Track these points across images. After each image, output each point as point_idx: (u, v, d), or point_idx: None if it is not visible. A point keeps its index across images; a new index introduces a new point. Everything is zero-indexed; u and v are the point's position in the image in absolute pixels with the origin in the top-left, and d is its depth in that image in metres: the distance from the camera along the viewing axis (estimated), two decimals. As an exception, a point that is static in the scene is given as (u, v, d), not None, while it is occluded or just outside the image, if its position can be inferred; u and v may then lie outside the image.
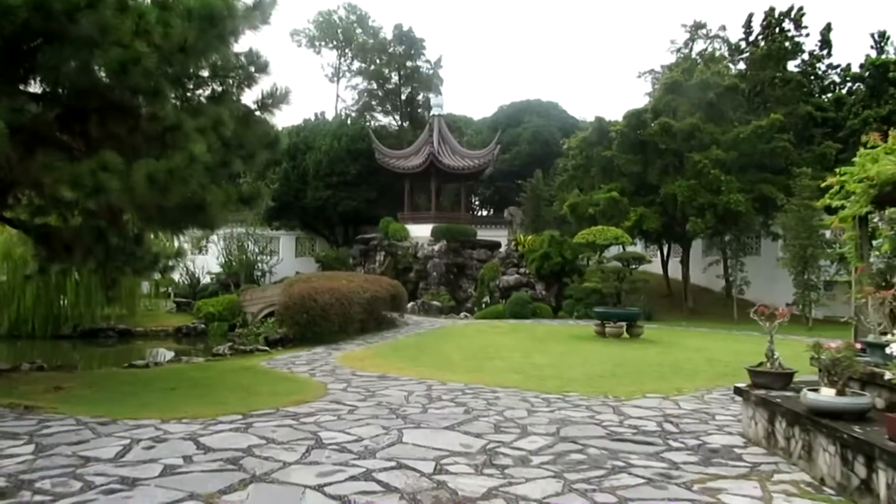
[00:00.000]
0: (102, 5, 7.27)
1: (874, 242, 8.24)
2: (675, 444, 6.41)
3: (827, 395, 5.32)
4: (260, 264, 32.62)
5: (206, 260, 31.66)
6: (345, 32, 44.20)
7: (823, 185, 9.52)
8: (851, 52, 59.06)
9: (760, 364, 7.03)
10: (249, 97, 9.94)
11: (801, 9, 29.59)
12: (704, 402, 8.89)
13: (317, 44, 45.40)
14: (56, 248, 11.33)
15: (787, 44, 28.21)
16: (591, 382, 10.39)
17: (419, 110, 42.89)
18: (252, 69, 9.85)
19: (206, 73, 9.62)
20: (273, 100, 9.90)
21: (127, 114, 8.55)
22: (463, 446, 6.16)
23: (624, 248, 23.54)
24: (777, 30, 30.03)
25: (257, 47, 9.81)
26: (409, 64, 41.57)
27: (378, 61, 42.21)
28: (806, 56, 29.71)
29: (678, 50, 33.11)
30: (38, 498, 4.51)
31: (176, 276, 30.43)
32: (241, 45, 9.72)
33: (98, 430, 6.58)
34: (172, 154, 8.04)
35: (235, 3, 8.74)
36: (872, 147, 7.26)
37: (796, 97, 26.97)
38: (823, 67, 30.12)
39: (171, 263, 13.10)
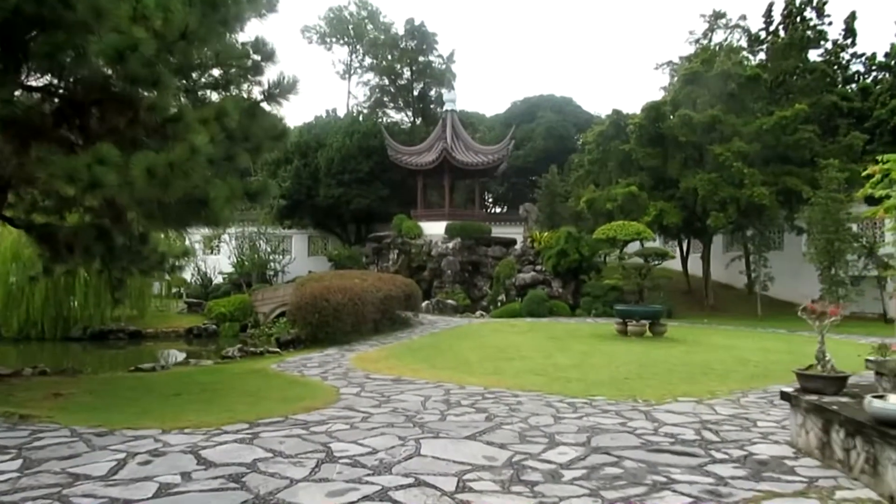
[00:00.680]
0: (96, -13, 6.81)
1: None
2: (718, 456, 5.84)
3: (897, 404, 4.74)
4: (272, 264, 32.28)
5: (217, 260, 31.40)
6: (356, 28, 43.78)
7: (865, 173, 8.88)
8: (875, 40, 57.79)
9: (810, 367, 6.43)
10: (255, 87, 9.49)
11: (823, -4, 28.80)
12: (742, 406, 8.30)
13: (328, 40, 45.04)
14: (59, 247, 10.94)
15: (809, 32, 27.38)
16: (617, 385, 9.83)
17: (431, 106, 42.39)
18: (258, 58, 9.38)
19: (209, 62, 9.17)
20: (280, 89, 9.40)
21: (126, 105, 8.09)
22: (487, 459, 5.63)
23: (643, 244, 22.93)
24: (798, 19, 29.23)
25: (264, 37, 9.35)
26: (421, 59, 41.05)
27: (390, 57, 41.72)
28: (829, 45, 28.84)
29: (697, 41, 32.37)
30: (15, 524, 4.04)
31: (187, 277, 30.23)
32: (248, 34, 9.30)
33: (93, 441, 6.11)
34: (173, 146, 7.58)
35: (239, -13, 8.26)
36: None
37: (820, 87, 26.17)
38: (847, 57, 29.25)
39: (178, 263, 12.69)
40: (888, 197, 7.61)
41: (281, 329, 18.27)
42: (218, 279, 31.27)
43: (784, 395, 6.48)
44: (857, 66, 29.47)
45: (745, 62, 26.99)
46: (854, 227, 22.91)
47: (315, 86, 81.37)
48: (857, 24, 29.66)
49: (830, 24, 29.03)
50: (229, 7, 8.45)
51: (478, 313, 24.83)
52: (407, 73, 41.92)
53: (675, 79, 29.49)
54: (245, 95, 9.50)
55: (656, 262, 18.29)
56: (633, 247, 24.31)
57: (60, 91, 8.52)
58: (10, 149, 7.93)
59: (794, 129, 23.25)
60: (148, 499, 4.50)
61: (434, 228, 29.28)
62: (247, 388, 9.48)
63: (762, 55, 30.13)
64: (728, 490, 4.85)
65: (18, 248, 18.79)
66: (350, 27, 43.98)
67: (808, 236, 26.20)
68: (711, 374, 10.96)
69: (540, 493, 4.73)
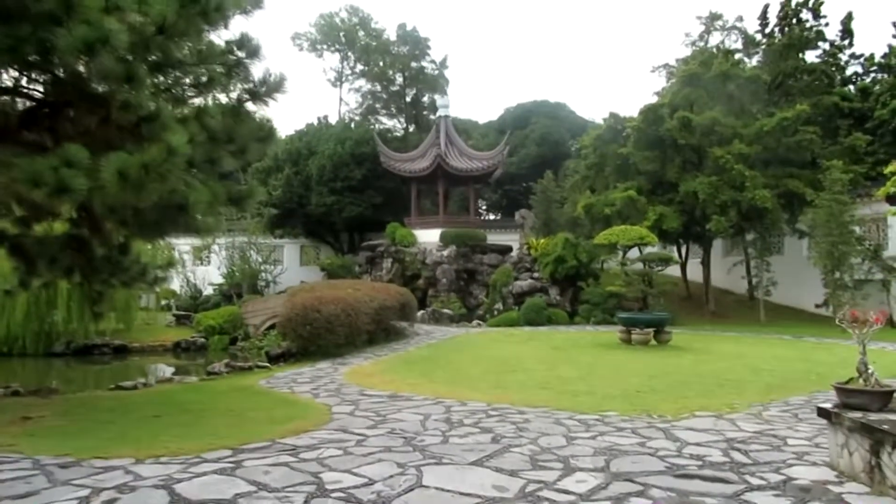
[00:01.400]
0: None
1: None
2: (754, 481, 5.24)
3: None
4: (263, 274, 31.61)
5: (206, 271, 30.73)
6: (347, 35, 43.23)
7: (887, 170, 8.33)
8: (873, 41, 57.70)
9: (850, 380, 5.83)
10: (240, 86, 8.88)
11: (819, -3, 28.46)
12: (766, 421, 7.70)
13: (319, 47, 44.43)
14: (34, 259, 10.29)
15: (807, 33, 27.00)
16: (629, 399, 9.23)
17: (424, 112, 41.88)
18: (242, 54, 8.76)
19: (189, 60, 8.56)
20: (266, 88, 8.79)
21: (98, 104, 7.48)
22: (497, 489, 5.02)
23: (641, 250, 22.39)
24: (794, 20, 28.88)
25: (249, 33, 8.75)
26: (413, 65, 40.56)
27: (381, 62, 41.18)
28: (827, 46, 28.47)
29: (693, 43, 31.99)
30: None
31: (176, 288, 29.57)
32: (233, 32, 8.72)
33: (56, 475, 5.46)
34: (148, 147, 6.97)
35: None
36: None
37: (820, 88, 25.77)
38: (845, 58, 28.89)
39: (162, 275, 12.05)
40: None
41: (271, 342, 17.58)
42: (208, 290, 30.58)
43: (822, 413, 5.88)
44: (854, 68, 29.15)
45: (742, 65, 26.60)
46: (857, 230, 22.44)
47: (306, 94, 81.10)
48: (853, 25, 29.36)
49: (827, 24, 28.75)
50: (210, -1, 7.86)
51: (475, 322, 24.21)
52: (399, 79, 41.42)
53: (672, 81, 29.08)
54: (228, 95, 8.92)
55: (660, 268, 17.73)
56: (633, 253, 23.90)
57: (27, 90, 7.90)
58: (-31, 152, 7.30)
59: (794, 130, 22.82)
60: (106, 550, 3.87)
61: (428, 236, 28.68)
62: (232, 407, 8.83)
63: (758, 58, 29.72)
64: (775, 525, 4.25)
65: (-3, 261, 18.05)
66: (341, 34, 43.43)
67: (809, 240, 25.76)
68: (727, 385, 10.37)
69: (561, 532, 4.12)
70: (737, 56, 29.13)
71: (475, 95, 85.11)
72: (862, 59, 28.58)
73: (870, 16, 44.72)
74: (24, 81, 8.06)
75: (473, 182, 31.91)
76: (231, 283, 29.80)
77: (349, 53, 44.08)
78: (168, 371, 19.37)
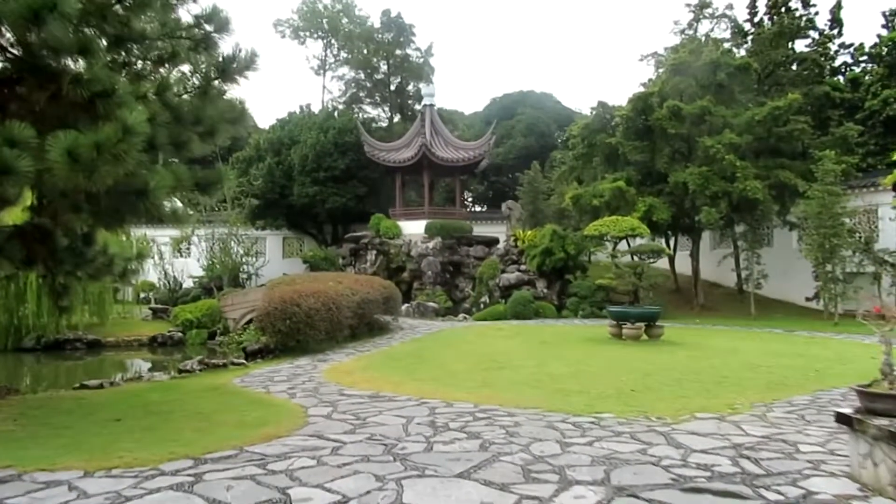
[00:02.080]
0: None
1: None
2: (770, 496, 4.73)
3: None
4: (245, 266, 30.85)
5: (185, 263, 29.93)
6: (330, 22, 42.31)
7: (895, 157, 7.82)
8: (859, 31, 57.53)
9: (873, 383, 5.32)
10: (208, 62, 8.23)
11: (809, -14, 28.07)
12: (772, 423, 7.21)
13: (301, 34, 43.48)
14: (-11, 251, 9.58)
15: (797, 21, 26.58)
16: (624, 398, 8.72)
17: (409, 101, 41.15)
18: (210, 28, 8.12)
19: (152, 33, 7.89)
20: (237, 65, 8.16)
21: (48, 78, 6.82)
22: (486, 508, 4.47)
23: (629, 243, 21.93)
24: (784, 9, 28.47)
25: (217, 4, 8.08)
26: (398, 52, 39.75)
27: (365, 50, 40.32)
28: (816, 36, 28.08)
29: (682, 31, 31.48)
30: None
31: (154, 281, 28.79)
32: (202, 4, 8.06)
33: (-11, 492, 4.84)
34: (103, 126, 6.33)
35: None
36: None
37: (811, 77, 25.40)
38: (834, 48, 28.52)
39: (132, 267, 11.37)
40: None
41: (251, 337, 16.95)
42: (189, 283, 29.79)
43: (841, 418, 5.36)
44: (844, 57, 28.77)
45: (731, 54, 26.17)
46: (847, 222, 22.12)
47: (289, 82, 79.97)
48: (842, 14, 28.98)
49: (817, 13, 28.37)
50: (172, -35, 7.21)
51: (460, 316, 23.68)
52: (384, 67, 40.61)
53: (661, 70, 28.59)
54: (196, 72, 8.27)
55: (651, 260, 17.27)
56: (622, 245, 23.43)
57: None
58: None
59: (786, 120, 22.42)
60: None
61: (413, 228, 28.08)
62: (201, 409, 8.21)
63: (746, 48, 29.27)
64: (803, 552, 3.73)
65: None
66: (324, 21, 42.50)
67: (799, 232, 25.45)
68: (724, 383, 9.89)
69: (562, 563, 3.57)
70: (726, 45, 28.70)
71: (461, 86, 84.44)
72: (851, 49, 28.23)
73: (858, 5, 44.52)
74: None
75: (459, 173, 31.32)
76: (211, 276, 29.04)
77: (332, 41, 43.18)
78: (144, 366, 18.71)
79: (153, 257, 30.30)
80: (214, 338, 21.28)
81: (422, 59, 40.74)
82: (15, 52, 7.08)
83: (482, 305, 24.74)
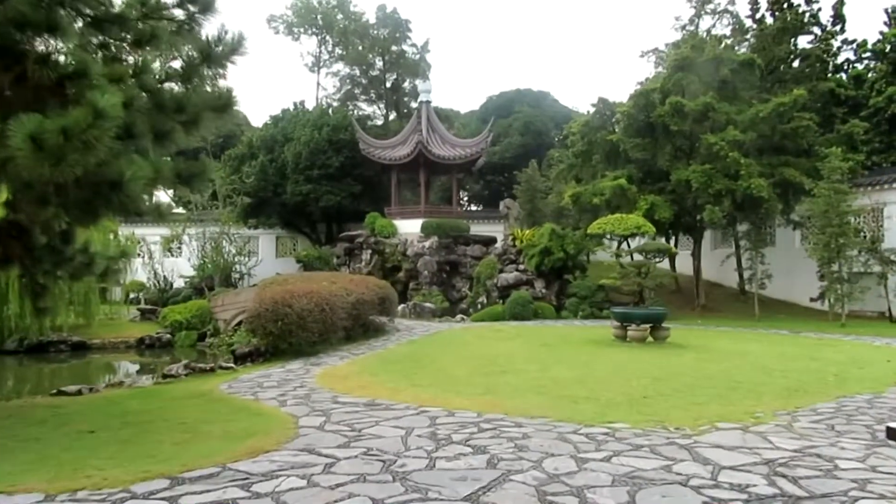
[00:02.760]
0: None
1: None
2: (819, 524, 4.19)
3: None
4: (238, 266, 30.19)
5: (175, 262, 29.28)
6: (325, 18, 41.59)
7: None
8: (862, 28, 56.96)
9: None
10: (190, 46, 7.65)
11: (811, -18, 27.54)
12: (801, 435, 6.67)
13: (295, 30, 42.74)
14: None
15: (802, 17, 26.09)
16: (636, 406, 8.18)
17: (405, 99, 40.52)
18: (193, 9, 7.54)
19: (130, 14, 7.30)
20: (222, 49, 7.58)
21: (12, 58, 6.23)
22: (500, 539, 3.91)
23: (629, 243, 21.40)
24: (786, 4, 27.96)
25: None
26: (393, 48, 39.12)
27: (361, 46, 39.66)
28: (819, 32, 27.59)
29: (683, 27, 30.99)
30: None
31: (144, 280, 28.17)
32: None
33: (-67, 521, 4.26)
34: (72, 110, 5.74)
35: None
36: None
37: (815, 74, 24.95)
38: (837, 44, 28.04)
39: (114, 266, 10.77)
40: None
41: (242, 339, 16.35)
42: (180, 283, 29.11)
43: (893, 433, 4.83)
44: (846, 54, 28.33)
45: (734, 50, 25.70)
46: (852, 221, 21.65)
47: (282, 79, 79.30)
48: (845, 11, 28.49)
49: (819, 10, 27.86)
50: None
51: (458, 317, 23.10)
52: (379, 64, 39.96)
53: (662, 67, 28.13)
54: (178, 56, 7.70)
55: (658, 260, 16.73)
56: (624, 245, 22.90)
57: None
58: None
59: (790, 117, 21.95)
60: None
61: (409, 227, 27.49)
62: (183, 418, 7.63)
63: (747, 46, 28.79)
64: None
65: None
66: (319, 16, 41.81)
67: (802, 231, 24.99)
68: (739, 388, 9.35)
69: None
70: (727, 42, 28.22)
71: (457, 84, 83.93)
72: (854, 46, 27.78)
73: (861, 1, 44.10)
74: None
75: (456, 171, 30.75)
76: (203, 276, 28.37)
77: (327, 37, 42.48)
78: (131, 369, 18.10)
79: (142, 256, 29.73)
80: (204, 339, 20.65)
81: (418, 56, 40.12)
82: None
83: (479, 306, 24.19)
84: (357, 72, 41.08)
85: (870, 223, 22.81)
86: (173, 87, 7.72)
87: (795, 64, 26.98)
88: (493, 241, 28.43)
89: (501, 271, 24.98)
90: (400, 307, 22.24)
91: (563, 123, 40.42)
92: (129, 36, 7.22)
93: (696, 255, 25.22)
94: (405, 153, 27.98)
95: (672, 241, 27.40)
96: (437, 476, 5.23)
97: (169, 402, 8.88)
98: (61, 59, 6.20)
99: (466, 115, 47.73)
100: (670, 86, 23.26)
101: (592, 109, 27.23)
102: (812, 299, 22.42)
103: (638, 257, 18.88)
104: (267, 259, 33.78)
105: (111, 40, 7.21)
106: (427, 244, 26.24)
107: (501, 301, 23.72)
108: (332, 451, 6.01)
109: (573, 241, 24.05)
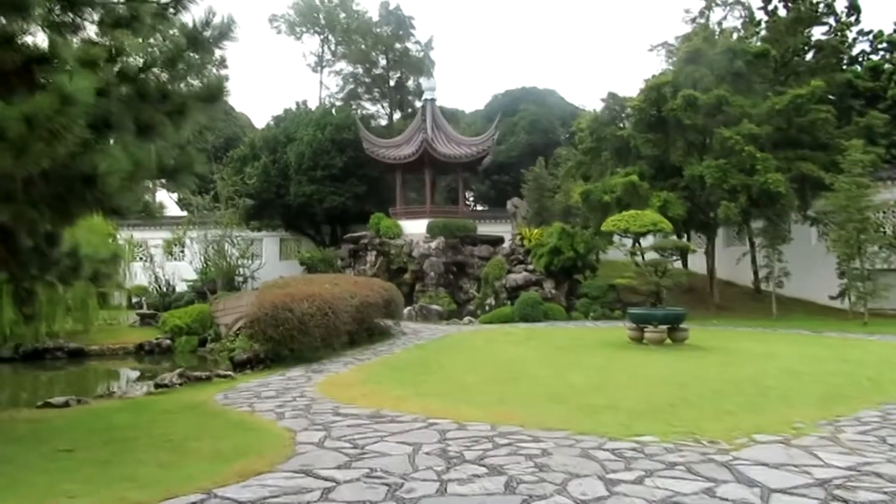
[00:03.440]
0: None
1: None
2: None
3: None
4: (241, 269, 29.66)
5: (176, 266, 28.78)
6: (327, 16, 41.05)
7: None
8: (877, 18, 55.89)
9: None
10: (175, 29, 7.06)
11: (824, -28, 26.84)
12: (851, 450, 6.01)
13: (297, 30, 42.24)
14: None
15: (816, 7, 25.38)
16: (662, 415, 7.54)
17: (410, 97, 39.93)
18: (179, -12, 6.94)
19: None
20: (210, 32, 6.99)
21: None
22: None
23: (638, 242, 20.68)
24: (799, -5, 27.26)
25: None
26: (397, 46, 38.53)
27: (363, 45, 39.07)
28: (833, 22, 26.88)
29: (693, 20, 30.29)
30: None
31: (146, 284, 27.70)
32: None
33: None
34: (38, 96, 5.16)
35: None
36: None
37: (830, 65, 24.26)
38: (852, 35, 27.31)
39: (105, 270, 10.20)
40: None
41: (243, 344, 15.78)
42: (182, 287, 28.60)
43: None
44: (862, 45, 27.60)
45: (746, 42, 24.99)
46: (872, 216, 20.93)
47: (284, 79, 78.85)
48: (860, 1, 27.80)
49: (833, 0, 27.13)
50: None
51: (466, 319, 22.47)
52: (382, 62, 39.38)
53: (672, 60, 27.45)
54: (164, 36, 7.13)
55: (676, 258, 16.04)
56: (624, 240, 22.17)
57: None
58: None
59: (807, 109, 21.25)
60: None
61: (415, 227, 26.90)
62: (172, 434, 7.02)
63: (757, 39, 28.08)
64: None
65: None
66: (321, 15, 41.27)
67: (819, 227, 24.28)
68: (771, 395, 8.70)
69: None
70: (735, 36, 27.52)
71: (461, 84, 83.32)
72: (870, 37, 27.05)
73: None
74: None
75: (462, 170, 30.14)
76: (205, 280, 27.85)
77: (329, 36, 41.94)
78: (129, 377, 17.56)
79: (143, 260, 29.25)
80: (205, 345, 20.12)
81: (422, 53, 39.52)
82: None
83: (487, 308, 23.58)
84: (360, 70, 40.51)
85: (891, 218, 22.08)
86: (158, 75, 7.15)
87: (809, 56, 26.26)
88: (500, 240, 27.81)
89: (510, 272, 24.36)
90: (406, 310, 21.64)
91: (569, 121, 39.77)
92: (106, 18, 6.65)
93: (710, 254, 24.52)
94: (410, 152, 27.40)
95: (684, 239, 26.72)
96: (449, 502, 4.61)
97: (159, 415, 8.28)
98: (28, 40, 5.63)
99: (471, 115, 47.06)
100: (682, 79, 22.59)
101: (601, 105, 26.57)
102: (831, 297, 21.71)
103: (651, 256, 18.28)
104: (270, 262, 33.30)
105: (85, 21, 6.63)
106: (433, 245, 25.64)
107: (510, 302, 23.11)
108: (331, 473, 5.39)
109: (583, 239, 23.43)
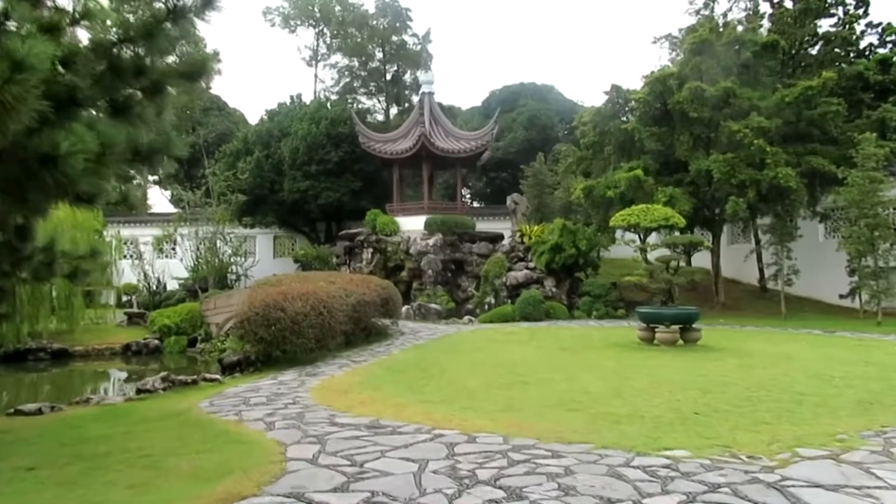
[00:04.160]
0: None
1: None
2: None
3: None
4: (234, 267, 28.90)
5: (167, 263, 27.99)
6: (322, 8, 40.16)
7: None
8: (884, 11, 55.02)
9: None
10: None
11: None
12: (911, 466, 5.35)
13: (292, 23, 41.39)
14: None
15: (827, -2, 24.72)
16: (690, 425, 6.86)
17: (406, 92, 39.10)
18: (156, -49, 6.23)
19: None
20: (193, 1, 6.27)
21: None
22: None
23: (641, 238, 19.98)
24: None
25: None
26: (394, 38, 37.72)
27: (359, 38, 38.26)
28: (841, 14, 26.21)
29: (698, 12, 29.60)
30: None
31: (135, 282, 26.98)
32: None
33: None
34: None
35: None
36: None
37: (840, 57, 23.63)
38: (860, 28, 26.63)
39: (84, 266, 9.47)
40: None
41: (234, 345, 15.06)
42: (174, 285, 27.81)
43: None
44: (870, 38, 26.90)
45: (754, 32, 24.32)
46: (884, 212, 20.29)
47: (278, 73, 77.92)
48: (868, -7, 27.11)
49: (841, -10, 26.46)
50: None
51: (465, 318, 21.77)
52: (379, 55, 38.57)
53: (676, 52, 26.81)
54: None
55: (690, 253, 15.35)
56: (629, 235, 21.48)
57: None
58: None
59: (817, 102, 20.62)
60: None
61: (412, 224, 26.16)
62: (148, 449, 6.30)
63: (767, 28, 27.43)
64: None
65: None
66: (315, 8, 40.42)
67: (826, 224, 23.69)
68: (805, 402, 8.02)
69: None
70: (739, 29, 26.88)
71: (458, 80, 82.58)
72: (879, 29, 26.39)
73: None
74: None
75: (461, 165, 29.39)
76: (197, 278, 27.08)
77: (324, 29, 41.10)
78: (117, 377, 16.86)
79: (133, 258, 28.48)
80: (195, 345, 19.38)
81: (419, 46, 38.71)
82: None
83: (487, 307, 22.88)
84: (356, 63, 39.69)
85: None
86: (134, 49, 6.43)
87: (816, 49, 25.61)
88: (500, 238, 27.10)
89: (510, 269, 23.67)
90: (404, 308, 20.92)
91: (568, 117, 39.17)
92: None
93: (716, 251, 23.87)
94: (407, 146, 26.66)
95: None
96: (466, 539, 3.93)
97: (137, 425, 7.56)
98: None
99: (468, 112, 46.33)
100: (688, 71, 21.91)
101: (601, 101, 25.86)
102: (841, 296, 21.06)
103: (656, 252, 17.64)
104: (264, 259, 32.53)
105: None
106: (431, 242, 24.93)
107: (510, 301, 22.43)
108: (325, 498, 4.70)
109: (585, 236, 22.76)
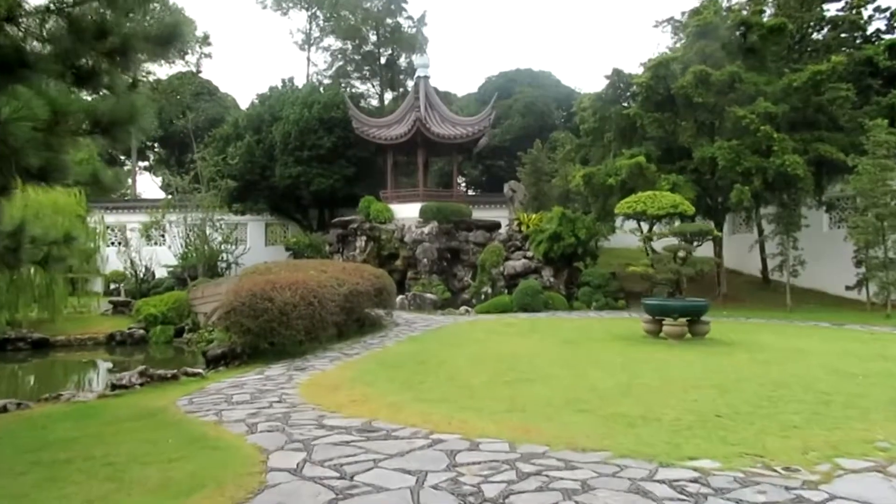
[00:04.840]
0: None
1: None
2: None
3: None
4: (224, 255, 28.18)
5: (154, 250, 27.26)
6: (315, -9, 39.33)
7: None
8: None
9: None
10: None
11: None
12: (971, 481, 4.76)
13: (284, 5, 40.45)
14: None
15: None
16: (713, 430, 6.24)
17: (401, 77, 38.25)
18: None
19: None
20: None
21: None
22: None
23: (640, 226, 19.41)
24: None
25: None
26: (388, 21, 36.83)
27: (353, 20, 37.35)
28: (848, -1, 25.52)
29: (700, -6, 28.80)
30: None
31: (121, 269, 26.29)
32: None
33: None
34: None
35: None
36: None
37: (848, 42, 22.97)
38: (867, 12, 25.94)
39: (58, 253, 8.80)
40: None
41: (222, 335, 14.39)
42: (162, 273, 27.10)
43: None
44: (878, 24, 26.22)
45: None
46: (891, 201, 19.70)
47: (270, 57, 76.80)
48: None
49: (847, -27, 25.74)
50: None
51: (462, 309, 21.15)
52: (373, 38, 37.66)
53: (679, 37, 26.05)
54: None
55: (697, 243, 14.74)
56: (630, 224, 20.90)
57: None
58: None
59: (825, 88, 19.98)
60: None
61: (407, 211, 25.47)
62: (115, 455, 5.66)
63: (771, 13, 26.73)
64: None
65: None
66: (308, -11, 39.56)
67: (832, 213, 23.12)
68: (832, 403, 7.42)
69: None
70: (744, 12, 26.16)
71: (454, 66, 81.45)
72: (888, 14, 25.69)
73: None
74: None
75: (457, 151, 28.71)
76: (186, 265, 26.37)
77: (317, 12, 40.14)
78: (100, 368, 16.21)
79: (119, 244, 27.74)
80: (182, 335, 18.72)
81: (414, 29, 37.84)
82: None
83: (484, 296, 22.27)
84: (349, 46, 38.76)
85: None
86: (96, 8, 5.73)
87: (822, 34, 24.93)
88: (497, 226, 26.46)
89: (507, 259, 23.06)
90: (398, 298, 20.29)
91: (565, 104, 38.49)
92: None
93: (718, 241, 23.27)
94: (402, 132, 25.92)
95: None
96: (474, 577, 3.30)
97: (107, 425, 6.91)
98: None
99: (464, 98, 45.53)
100: (692, 55, 21.22)
101: (600, 86, 25.13)
102: (848, 287, 20.53)
103: (664, 241, 17.03)
104: (256, 247, 31.82)
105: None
106: (426, 230, 24.26)
107: (507, 291, 21.83)
108: (310, 520, 4.07)
109: (585, 225, 22.14)
